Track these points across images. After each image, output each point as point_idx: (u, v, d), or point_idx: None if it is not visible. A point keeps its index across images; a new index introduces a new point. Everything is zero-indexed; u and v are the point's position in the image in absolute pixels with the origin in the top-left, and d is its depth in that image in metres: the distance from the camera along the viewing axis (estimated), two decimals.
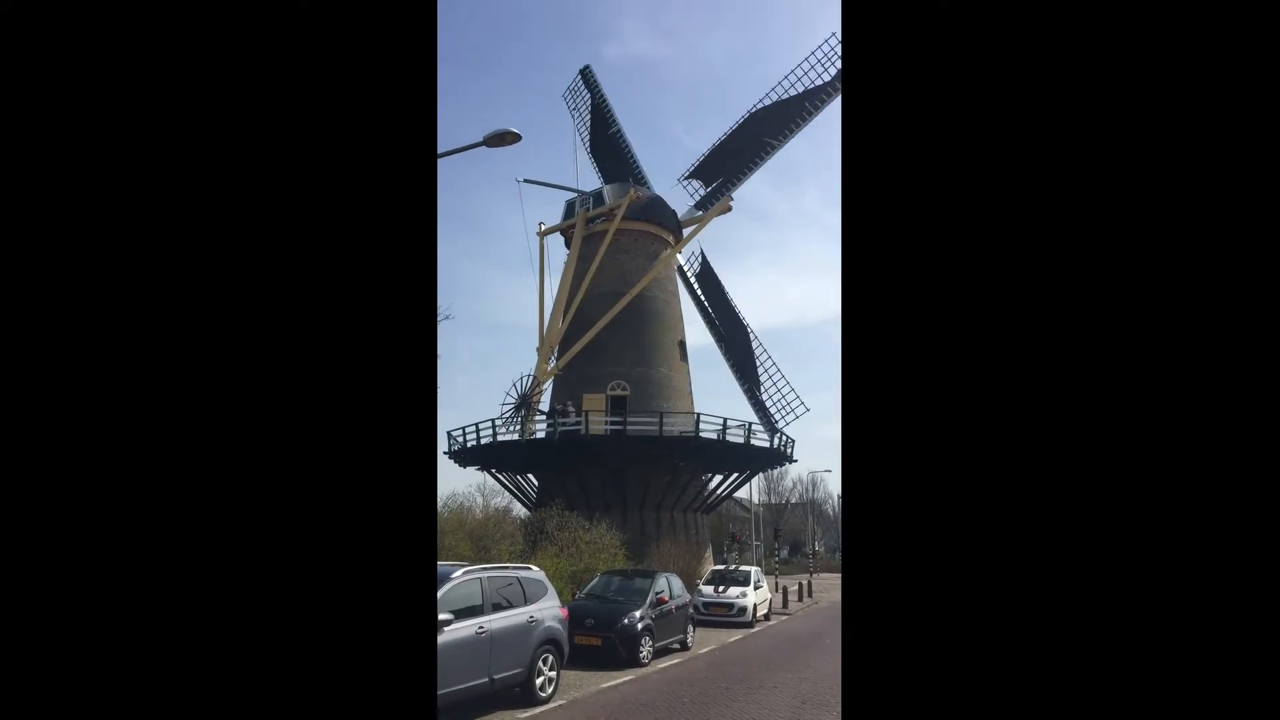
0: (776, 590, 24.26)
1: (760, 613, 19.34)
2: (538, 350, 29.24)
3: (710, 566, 24.43)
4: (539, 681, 8.82)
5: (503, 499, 27.74)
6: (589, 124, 33.98)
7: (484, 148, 10.76)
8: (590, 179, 33.62)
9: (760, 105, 30.41)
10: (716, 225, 32.34)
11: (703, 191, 31.79)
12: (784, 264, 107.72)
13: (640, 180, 31.65)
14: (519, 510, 27.66)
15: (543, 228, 31.74)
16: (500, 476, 28.71)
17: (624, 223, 29.24)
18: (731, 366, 32.30)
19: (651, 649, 12.15)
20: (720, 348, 32.61)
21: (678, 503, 27.52)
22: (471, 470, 29.50)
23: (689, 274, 32.88)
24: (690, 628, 14.33)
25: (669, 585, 13.77)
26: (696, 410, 28.96)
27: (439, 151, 10.15)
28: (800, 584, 29.26)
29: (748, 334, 32.00)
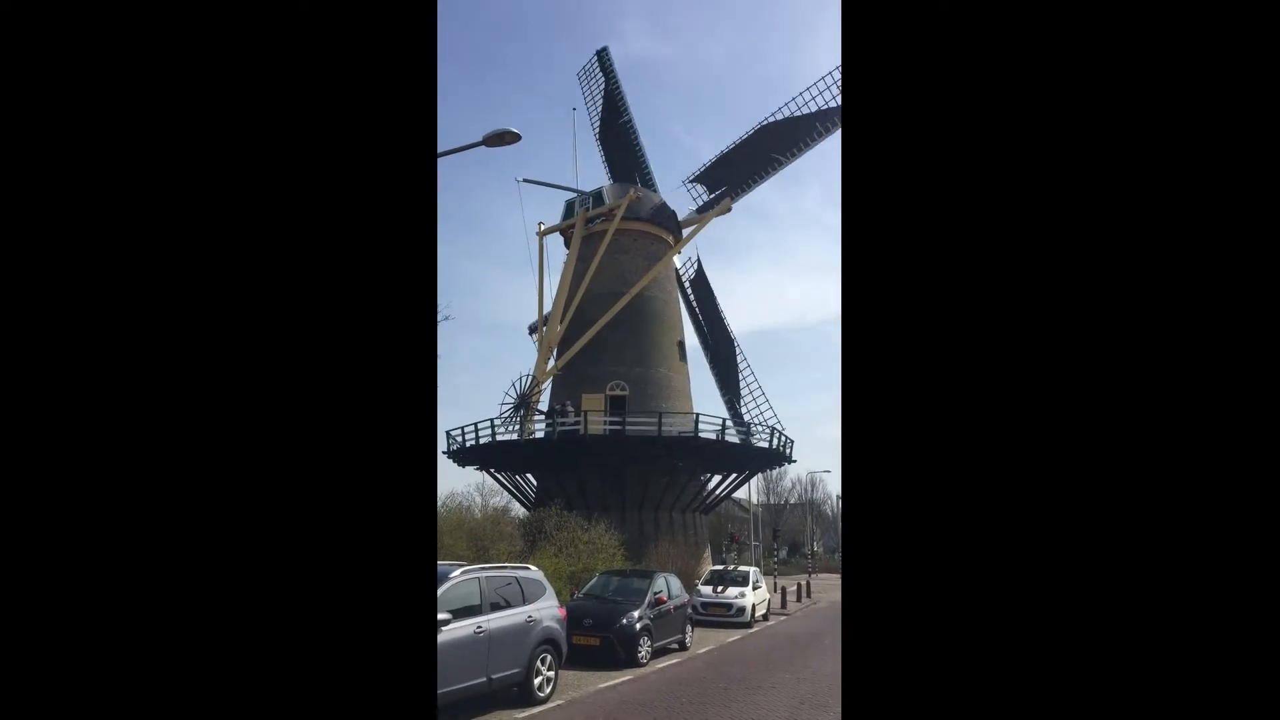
0: (775, 591, 24.27)
1: (759, 613, 19.35)
2: (533, 328, 28.98)
3: (709, 567, 24.43)
4: (537, 681, 8.82)
5: (501, 499, 27.76)
6: (600, 110, 33.35)
7: (483, 148, 10.76)
8: (590, 176, 33.64)
9: (771, 118, 30.32)
10: (717, 225, 32.40)
11: (706, 197, 31.82)
12: (784, 264, 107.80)
13: (646, 176, 31.52)
14: (517, 510, 27.67)
15: (542, 227, 31.74)
16: (499, 476, 28.71)
17: (623, 223, 29.24)
18: (715, 375, 32.40)
19: (650, 649, 12.15)
20: (705, 355, 32.69)
21: (676, 503, 27.53)
22: (470, 470, 29.52)
23: (684, 279, 32.87)
24: (689, 628, 14.33)
25: (667, 585, 13.77)
26: (695, 410, 28.97)
27: (439, 151, 10.15)
28: (799, 584, 29.27)
29: (733, 346, 32.10)
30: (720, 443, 26.58)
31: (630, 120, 32.28)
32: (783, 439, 29.00)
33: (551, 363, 28.57)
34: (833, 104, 28.88)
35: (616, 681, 10.35)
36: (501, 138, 10.56)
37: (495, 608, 8.37)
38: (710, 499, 30.44)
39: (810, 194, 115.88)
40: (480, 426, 27.12)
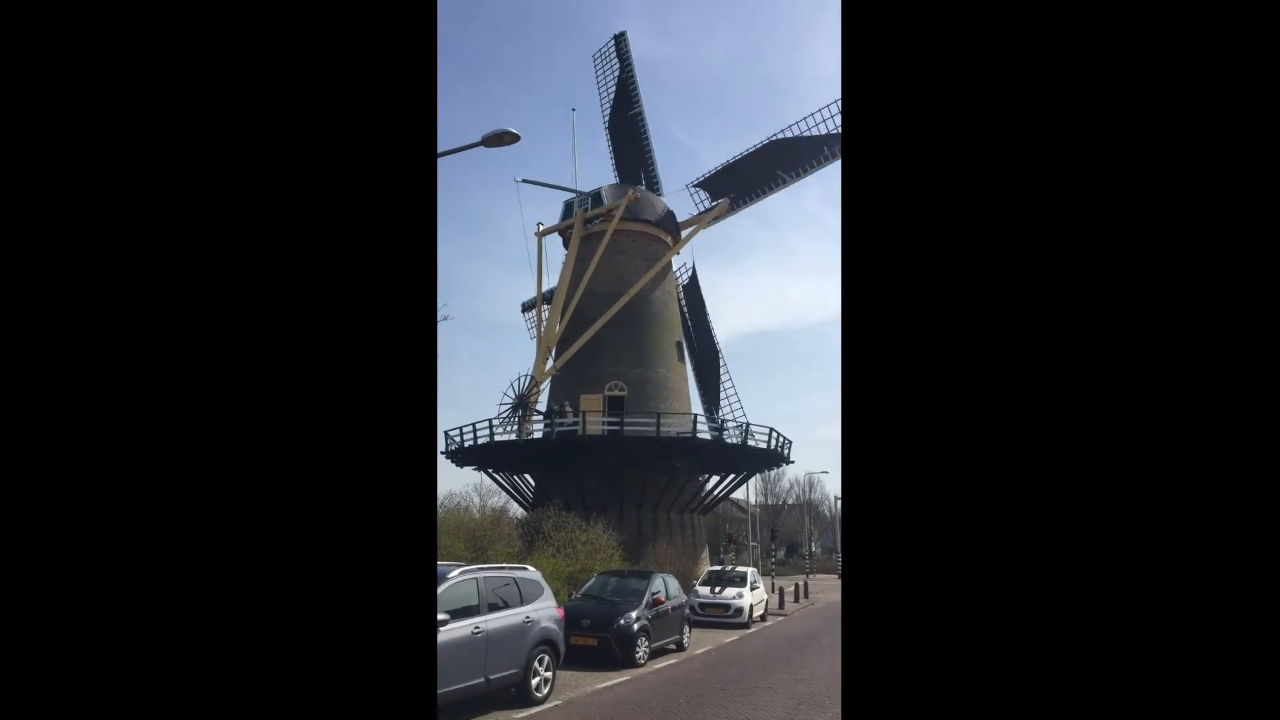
0: (773, 591, 24.28)
1: (756, 614, 19.35)
2: (527, 306, 28.59)
3: (707, 567, 24.43)
4: (535, 682, 8.82)
5: (499, 499, 27.75)
6: (612, 98, 32.53)
7: (482, 148, 10.76)
8: (589, 177, 33.56)
9: (780, 135, 30.26)
10: (717, 225, 32.26)
11: (708, 203, 31.85)
12: (784, 264, 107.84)
13: (651, 172, 31.32)
14: (515, 510, 27.65)
15: (541, 228, 31.73)
16: (497, 477, 28.69)
17: (622, 223, 29.23)
18: (697, 383, 32.39)
19: (648, 649, 12.15)
20: (690, 362, 32.65)
21: (674, 503, 27.52)
22: (468, 470, 29.51)
23: (678, 285, 32.86)
24: (686, 628, 14.33)
25: (665, 586, 13.77)
26: (694, 411, 28.97)
27: (439, 151, 10.14)
28: (796, 585, 29.28)
29: (718, 357, 32.15)
30: (718, 443, 26.60)
31: (640, 113, 31.75)
32: (781, 440, 29.02)
33: (550, 363, 28.56)
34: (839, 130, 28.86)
35: (614, 682, 10.35)
36: (500, 138, 10.56)
37: (493, 608, 8.37)
38: (708, 499, 30.43)
39: (810, 194, 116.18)
40: (478, 427, 27.12)
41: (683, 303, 32.76)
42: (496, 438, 26.84)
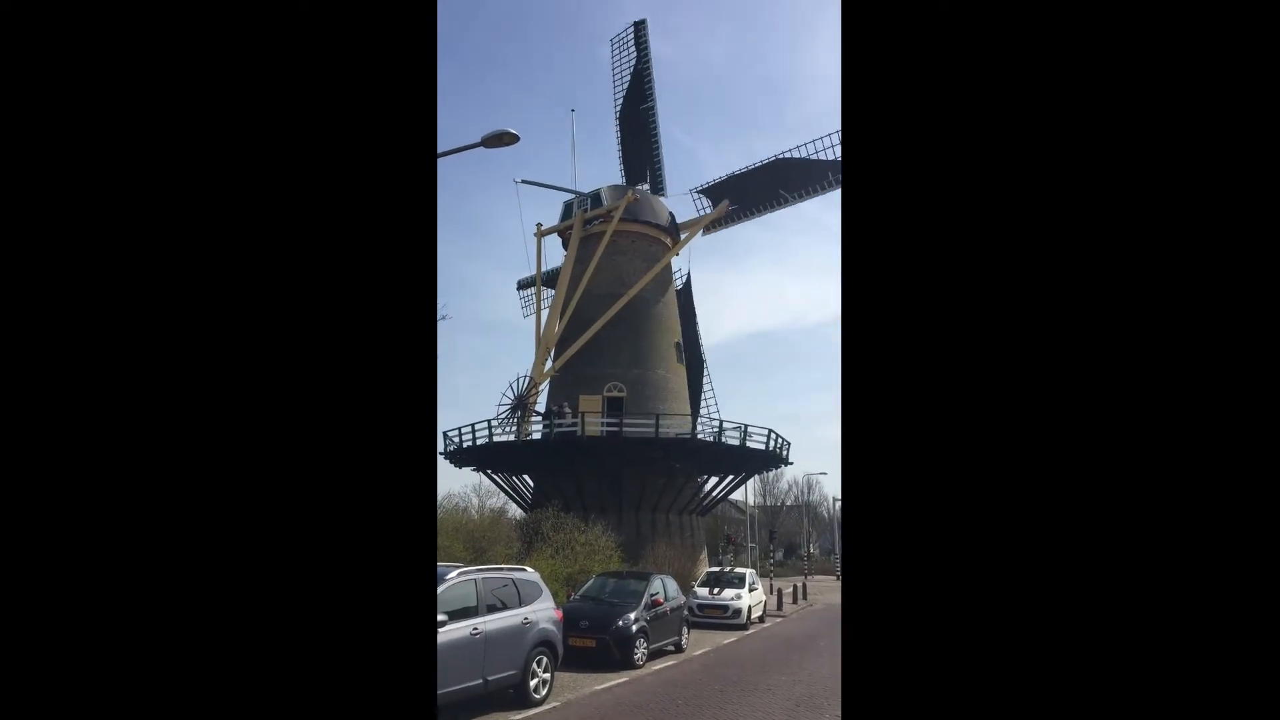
0: (771, 592, 24.28)
1: (755, 615, 19.35)
2: (523, 284, 28.23)
3: (705, 569, 24.43)
4: (533, 683, 8.81)
5: (498, 500, 27.75)
6: (626, 87, 31.92)
7: (482, 149, 10.76)
8: (589, 177, 33.44)
9: (789, 153, 30.34)
10: (718, 229, 32.24)
11: (709, 211, 31.96)
12: (785, 265, 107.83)
13: (657, 169, 31.13)
14: (514, 511, 27.65)
15: (540, 228, 31.73)
16: (496, 477, 28.68)
17: (622, 224, 29.24)
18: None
19: (646, 651, 12.15)
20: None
21: (673, 505, 27.52)
22: (467, 471, 29.51)
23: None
24: (685, 630, 14.33)
25: (664, 587, 13.77)
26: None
27: (439, 152, 10.14)
28: (795, 586, 29.29)
29: (702, 367, 32.13)
30: (717, 444, 26.58)
31: (652, 108, 31.28)
32: (779, 441, 29.03)
33: (549, 364, 28.55)
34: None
35: (612, 683, 10.34)
36: (500, 139, 10.56)
37: (491, 609, 8.36)
38: (707, 501, 30.43)
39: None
40: (477, 427, 27.13)
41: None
42: (495, 438, 26.84)
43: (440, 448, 28.24)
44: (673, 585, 14.49)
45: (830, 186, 29.55)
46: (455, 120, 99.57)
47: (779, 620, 21.11)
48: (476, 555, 16.88)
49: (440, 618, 7.42)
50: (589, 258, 29.04)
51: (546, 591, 9.70)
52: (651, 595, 13.02)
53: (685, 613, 14.78)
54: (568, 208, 31.13)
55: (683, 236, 31.51)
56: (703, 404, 31.51)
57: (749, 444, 27.33)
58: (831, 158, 28.93)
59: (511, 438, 26.94)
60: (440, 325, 17.52)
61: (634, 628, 11.90)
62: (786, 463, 31.06)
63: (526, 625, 8.81)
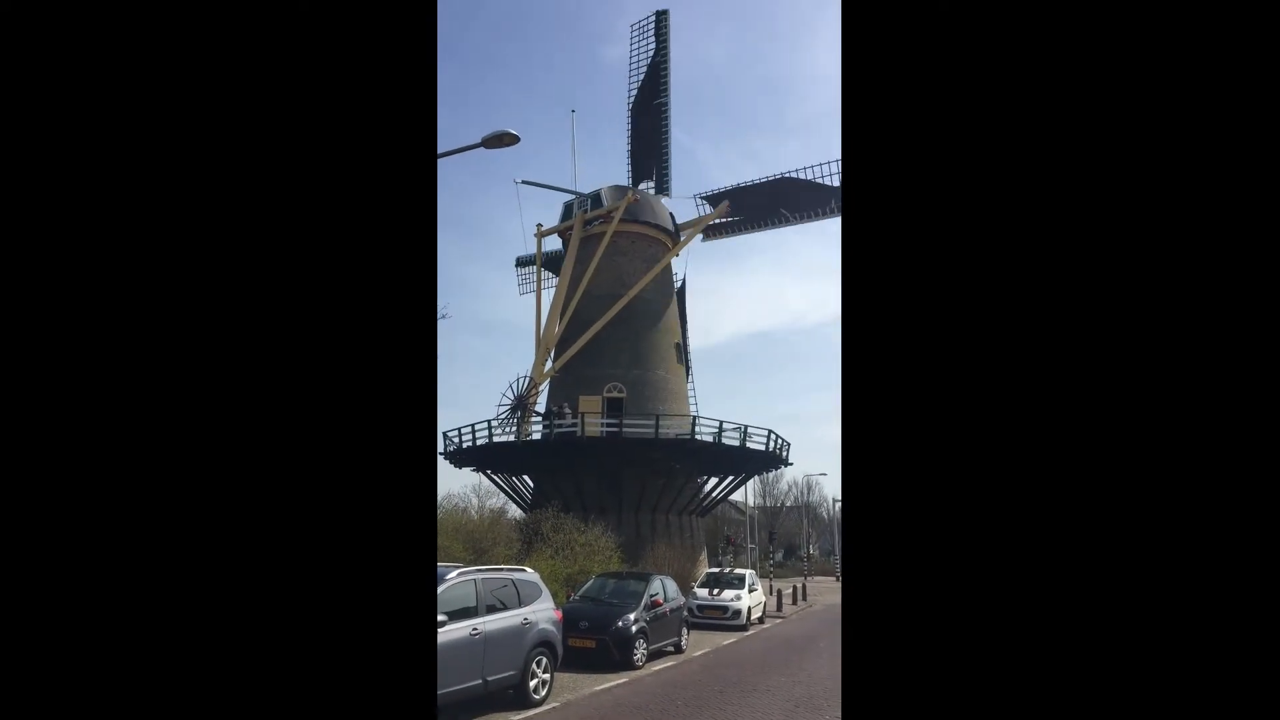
0: (771, 593, 24.27)
1: (754, 616, 19.35)
2: (522, 260, 27.98)
3: (705, 569, 24.42)
4: (533, 684, 8.81)
5: (498, 500, 27.74)
6: (642, 78, 31.29)
7: (482, 149, 10.76)
8: (589, 177, 33.28)
9: (794, 174, 30.38)
10: (718, 233, 32.25)
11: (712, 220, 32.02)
12: (784, 265, 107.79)
13: (664, 172, 31.02)
14: (514, 512, 27.64)
15: (541, 229, 31.72)
16: (496, 478, 28.67)
17: (622, 224, 29.24)
18: None
19: (646, 651, 12.14)
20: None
21: (673, 505, 27.51)
22: (467, 471, 29.50)
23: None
24: (685, 630, 14.32)
25: (664, 588, 13.77)
26: (693, 413, 28.95)
27: (439, 152, 10.14)
28: (795, 587, 29.29)
29: (688, 370, 32.12)
30: (717, 445, 26.58)
31: (666, 103, 30.87)
32: (779, 442, 29.03)
33: (549, 364, 28.55)
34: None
35: (612, 684, 10.34)
36: (501, 139, 10.56)
37: (491, 610, 8.36)
38: (707, 501, 30.42)
39: None
40: (477, 428, 27.12)
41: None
42: (495, 439, 26.84)
43: (440, 448, 28.24)
44: (672, 586, 14.49)
45: (832, 213, 29.69)
46: (455, 120, 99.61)
47: (779, 621, 21.11)
48: (477, 556, 16.87)
49: (440, 618, 7.42)
50: (589, 258, 29.03)
51: (546, 592, 9.70)
52: (651, 596, 13.02)
53: (685, 613, 14.78)
54: (568, 208, 31.11)
55: (683, 237, 31.51)
56: (688, 406, 31.57)
57: (749, 445, 27.32)
58: (835, 184, 28.95)
59: (511, 438, 26.94)
60: (440, 325, 17.52)
61: (633, 628, 11.90)
62: (786, 463, 31.08)
63: (526, 626, 8.80)
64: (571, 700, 9.21)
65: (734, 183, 31.57)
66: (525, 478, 29.28)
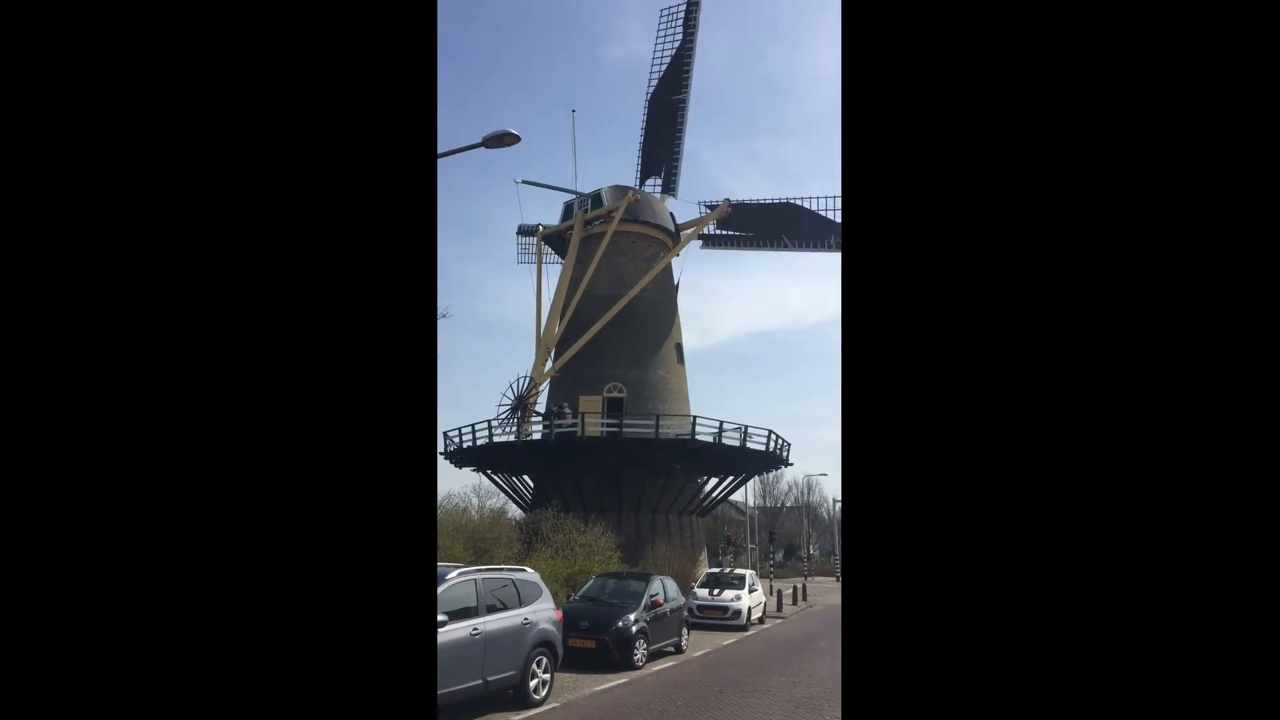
0: (771, 594, 24.27)
1: (755, 616, 19.35)
2: (523, 230, 27.84)
3: (705, 569, 24.42)
4: (533, 684, 8.81)
5: (498, 500, 27.74)
6: (663, 69, 30.11)
7: (483, 149, 10.76)
8: (589, 177, 33.20)
9: (801, 201, 30.45)
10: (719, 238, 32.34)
11: (713, 227, 32.06)
12: (784, 266, 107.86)
13: (673, 170, 30.95)
14: (514, 512, 27.64)
15: (542, 229, 31.71)
16: (496, 478, 28.68)
17: (622, 225, 29.24)
18: None
19: (646, 652, 12.14)
20: None
21: (673, 505, 27.52)
22: (467, 471, 29.50)
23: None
24: (685, 630, 14.32)
25: (664, 588, 13.76)
26: (693, 413, 28.97)
27: (439, 152, 10.14)
28: (795, 587, 29.29)
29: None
30: (717, 445, 26.58)
31: (684, 100, 30.09)
32: (780, 442, 29.04)
33: (549, 364, 28.55)
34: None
35: (612, 684, 10.33)
36: (501, 139, 10.56)
37: (491, 610, 8.36)
38: (707, 502, 30.42)
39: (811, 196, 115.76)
40: (477, 428, 27.13)
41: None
42: (495, 439, 26.84)
43: (440, 448, 28.25)
44: (672, 586, 14.49)
45: (831, 248, 29.86)
46: (455, 121, 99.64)
47: (779, 621, 21.10)
48: (477, 555, 16.87)
49: (440, 618, 7.42)
50: (590, 258, 29.04)
51: (546, 592, 9.69)
52: (651, 596, 13.01)
53: (685, 614, 14.78)
54: (568, 208, 31.11)
55: (683, 237, 31.52)
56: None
57: (749, 445, 27.33)
58: (838, 219, 29.00)
59: (511, 438, 26.94)
60: (440, 325, 17.53)
61: (634, 629, 11.90)
62: (787, 464, 31.09)
63: (526, 626, 8.80)
64: (572, 700, 9.21)
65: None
66: (525, 478, 29.29)
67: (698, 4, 29.92)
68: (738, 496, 38.65)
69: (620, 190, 30.09)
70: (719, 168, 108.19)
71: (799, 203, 30.54)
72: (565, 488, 25.53)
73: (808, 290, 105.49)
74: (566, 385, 28.59)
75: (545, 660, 9.08)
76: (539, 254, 31.63)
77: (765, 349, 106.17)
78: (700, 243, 32.46)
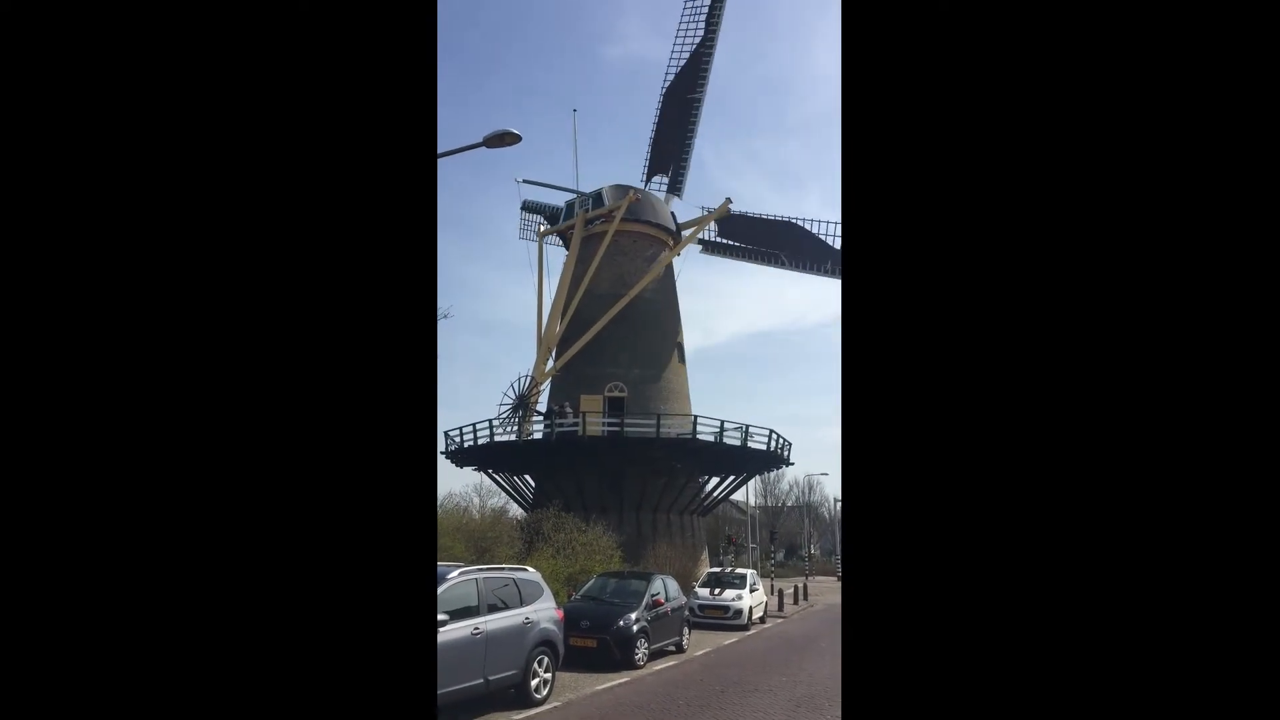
0: (772, 593, 24.27)
1: (756, 615, 19.34)
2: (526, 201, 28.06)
3: (706, 569, 24.43)
4: (534, 683, 8.81)
5: (499, 500, 27.76)
6: (682, 64, 29.64)
7: (484, 149, 10.76)
8: (590, 177, 33.15)
9: (805, 223, 30.55)
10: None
11: (714, 234, 32.15)
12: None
13: (681, 170, 30.89)
14: (515, 511, 27.66)
15: (542, 229, 31.71)
16: (497, 477, 28.69)
17: (623, 224, 29.24)
18: None
19: (647, 651, 12.14)
20: None
21: (674, 505, 27.52)
22: (468, 470, 29.52)
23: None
24: (686, 630, 14.32)
25: (665, 587, 13.76)
26: (694, 412, 28.97)
27: (439, 152, 10.14)
28: (796, 587, 29.28)
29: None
30: (718, 445, 26.58)
31: (699, 100, 29.76)
32: (781, 441, 29.03)
33: (550, 364, 28.56)
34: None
35: (613, 683, 10.34)
36: (502, 139, 10.56)
37: (492, 609, 8.37)
38: (708, 501, 30.43)
39: (811, 196, 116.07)
40: (478, 427, 27.13)
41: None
42: (496, 438, 26.85)
43: (441, 447, 28.26)
44: (674, 585, 14.49)
45: (828, 273, 30.01)
46: (456, 120, 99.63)
47: (780, 621, 21.10)
48: (478, 555, 16.88)
49: (441, 617, 7.42)
50: (590, 258, 29.03)
51: (548, 591, 9.70)
52: (652, 595, 13.02)
53: (686, 613, 14.77)
54: (569, 207, 31.11)
55: (684, 236, 31.53)
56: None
57: (750, 444, 27.33)
58: (838, 245, 29.01)
59: (513, 437, 26.95)
60: (440, 325, 17.53)
61: (635, 628, 11.90)
62: (788, 463, 31.09)
63: (528, 625, 8.81)
64: (573, 700, 9.21)
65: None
66: (527, 477, 29.30)
67: (723, 1, 29.42)
68: (739, 496, 38.68)
69: (621, 189, 30.09)
70: (719, 168, 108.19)
71: (800, 223, 30.58)
72: (566, 487, 25.53)
73: (808, 291, 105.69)
74: (568, 384, 28.59)
75: (546, 659, 9.09)
76: (540, 252, 31.65)
77: (766, 349, 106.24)
78: (700, 248, 32.50)
